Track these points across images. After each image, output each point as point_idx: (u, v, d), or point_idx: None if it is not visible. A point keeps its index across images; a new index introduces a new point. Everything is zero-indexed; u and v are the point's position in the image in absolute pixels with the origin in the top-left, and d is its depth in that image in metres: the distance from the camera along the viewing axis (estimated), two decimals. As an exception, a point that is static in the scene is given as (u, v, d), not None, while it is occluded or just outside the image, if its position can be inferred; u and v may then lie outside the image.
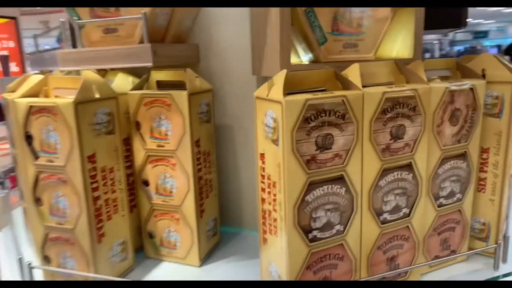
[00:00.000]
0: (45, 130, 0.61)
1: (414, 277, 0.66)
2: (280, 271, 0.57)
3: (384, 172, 0.58)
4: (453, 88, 0.61)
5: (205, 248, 0.75)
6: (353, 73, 0.57)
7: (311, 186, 0.54)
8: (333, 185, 0.55)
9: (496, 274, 0.68)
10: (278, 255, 0.57)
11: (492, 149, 0.69)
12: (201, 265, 0.74)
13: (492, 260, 0.72)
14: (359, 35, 0.70)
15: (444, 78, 0.67)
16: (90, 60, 0.68)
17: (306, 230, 0.55)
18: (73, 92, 0.61)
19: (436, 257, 0.68)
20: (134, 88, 0.71)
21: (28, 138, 0.62)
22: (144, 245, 0.77)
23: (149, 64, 0.65)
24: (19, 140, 0.63)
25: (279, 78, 0.53)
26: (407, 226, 0.63)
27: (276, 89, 0.52)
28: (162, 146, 0.70)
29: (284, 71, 0.53)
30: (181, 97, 0.66)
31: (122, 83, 0.74)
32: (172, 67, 0.71)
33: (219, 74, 0.81)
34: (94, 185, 0.63)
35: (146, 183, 0.73)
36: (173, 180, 0.71)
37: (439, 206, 0.66)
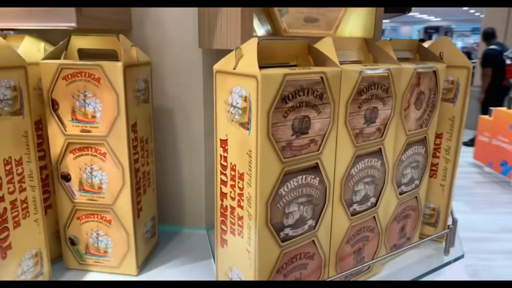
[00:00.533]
0: None
1: (376, 269, 0.63)
2: (245, 276, 0.49)
3: (356, 159, 0.53)
4: (420, 70, 0.58)
5: (143, 253, 0.63)
6: (327, 48, 0.50)
7: (285, 177, 0.46)
8: (308, 175, 0.48)
9: (447, 259, 0.69)
10: (242, 258, 0.48)
11: (445, 134, 0.68)
12: (138, 274, 0.62)
13: (440, 245, 0.72)
14: (320, 9, 0.63)
15: (403, 60, 0.64)
16: None
17: (278, 229, 0.47)
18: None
19: (395, 246, 0.66)
20: (48, 57, 0.55)
21: None
22: (64, 254, 0.62)
23: (72, 25, 0.51)
24: None
25: (250, 48, 0.44)
26: (374, 217, 0.59)
27: (248, 61, 0.43)
28: (88, 131, 0.56)
29: (255, 40, 0.44)
30: (114, 69, 0.53)
31: (30, 50, 0.58)
32: (97, 33, 0.57)
33: (157, 46, 0.68)
34: (-5, 183, 0.47)
35: (66, 177, 0.58)
36: (103, 174, 0.57)
37: (400, 194, 0.63)
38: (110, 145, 0.56)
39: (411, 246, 0.65)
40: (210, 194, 0.76)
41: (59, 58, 0.57)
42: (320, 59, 0.49)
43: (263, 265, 0.47)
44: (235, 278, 0.51)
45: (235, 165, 0.47)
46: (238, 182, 0.47)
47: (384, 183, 0.58)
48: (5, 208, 0.49)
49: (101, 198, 0.58)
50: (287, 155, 0.45)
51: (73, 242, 0.61)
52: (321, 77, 0.46)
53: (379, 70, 0.52)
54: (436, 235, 0.69)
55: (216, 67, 0.48)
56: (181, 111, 0.71)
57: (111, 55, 0.57)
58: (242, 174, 0.46)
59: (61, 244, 0.61)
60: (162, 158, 0.73)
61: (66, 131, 0.56)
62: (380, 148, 0.56)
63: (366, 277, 0.61)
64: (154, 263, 0.65)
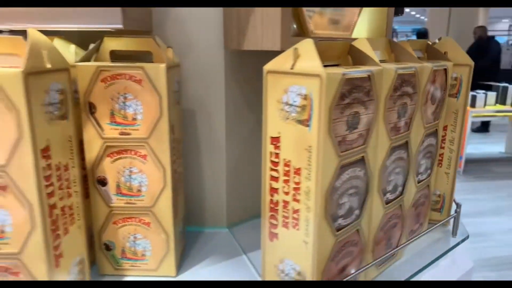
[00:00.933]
0: (-31, 114, 0.41)
1: (399, 255, 0.67)
2: (301, 267, 0.51)
3: (391, 151, 0.57)
4: (435, 68, 0.64)
5: (179, 254, 0.63)
6: (365, 48, 0.53)
7: (340, 170, 0.49)
8: (356, 168, 0.51)
9: (456, 240, 0.75)
10: (298, 250, 0.51)
11: (450, 126, 0.75)
12: (176, 275, 0.62)
13: (445, 228, 0.79)
14: (341, 11, 0.67)
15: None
16: (32, 17, 0.49)
17: (333, 219, 0.50)
18: (10, 60, 0.43)
19: (412, 231, 0.71)
20: (83, 60, 0.54)
21: None
22: (98, 260, 0.61)
23: (118, 27, 0.50)
24: None
25: (307, 49, 0.46)
26: (400, 205, 0.63)
27: (308, 61, 0.45)
28: (128, 134, 0.55)
29: (310, 40, 0.47)
30: (157, 71, 0.53)
31: (62, 52, 0.56)
32: (118, 34, 0.56)
33: (177, 47, 0.68)
34: (50, 190, 0.46)
35: (102, 182, 0.57)
36: (143, 176, 0.57)
37: (418, 182, 0.68)
38: (152, 146, 0.55)
39: (429, 231, 0.70)
40: (231, 193, 0.77)
41: (89, 61, 0.56)
42: (360, 59, 0.53)
43: (320, 254, 0.49)
44: (288, 269, 0.53)
45: (289, 160, 0.49)
46: (294, 177, 0.49)
47: (408, 171, 0.63)
48: (57, 215, 0.47)
49: (140, 201, 0.58)
50: (342, 149, 0.48)
51: (108, 248, 0.60)
52: (368, 75, 0.49)
53: (408, 68, 0.56)
54: (446, 219, 0.75)
55: (267, 67, 0.50)
56: (202, 112, 0.72)
57: (144, 57, 0.57)
58: (299, 169, 0.48)
59: (92, 250, 0.60)
60: (183, 159, 0.73)
61: (104, 134, 0.55)
62: (406, 141, 0.61)
63: (392, 263, 0.66)
64: (188, 263, 0.65)
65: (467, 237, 0.76)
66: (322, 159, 0.46)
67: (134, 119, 0.55)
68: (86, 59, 0.55)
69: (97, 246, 0.60)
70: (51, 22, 0.50)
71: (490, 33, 4.81)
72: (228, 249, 0.70)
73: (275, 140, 0.50)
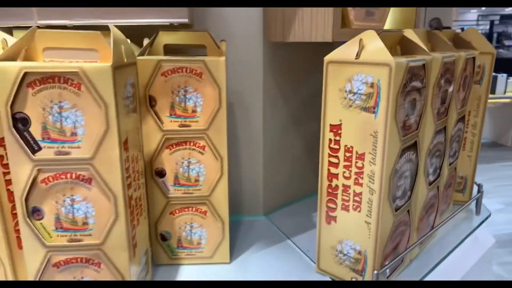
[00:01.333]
0: (57, 108, 0.42)
1: (435, 232, 0.71)
2: (361, 246, 0.54)
3: (434, 135, 0.61)
4: (468, 56, 0.67)
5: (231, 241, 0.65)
6: (413, 38, 0.56)
7: (401, 154, 0.52)
8: (410, 152, 0.55)
9: (480, 219, 0.80)
10: (359, 230, 0.54)
11: (473, 111, 0.79)
12: (230, 262, 0.64)
13: (467, 208, 0.84)
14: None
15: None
16: (98, 11, 0.49)
17: (393, 200, 0.53)
18: (88, 55, 0.44)
19: (442, 211, 0.76)
20: (141, 54, 0.55)
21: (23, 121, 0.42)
22: (154, 251, 0.62)
23: (185, 21, 0.51)
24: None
25: (372, 39, 0.49)
26: (437, 186, 0.67)
27: (375, 51, 0.48)
28: (188, 126, 0.57)
29: (373, 31, 0.49)
30: (217, 64, 0.54)
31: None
32: (176, 29, 0.57)
33: (217, 39, 0.69)
34: (128, 181, 0.47)
35: (160, 173, 0.58)
36: (201, 166, 0.58)
37: (449, 164, 0.72)
38: (210, 137, 0.57)
39: (459, 211, 0.74)
40: (267, 183, 0.79)
41: (143, 55, 0.57)
42: (410, 48, 0.56)
43: (382, 234, 0.52)
44: (347, 249, 0.56)
45: (351, 146, 0.52)
46: (356, 162, 0.52)
47: (444, 155, 0.67)
48: (133, 206, 0.49)
49: (197, 190, 0.59)
50: (403, 134, 0.51)
51: (164, 238, 0.61)
52: (424, 64, 0.52)
53: (450, 57, 0.60)
54: (473, 199, 0.80)
55: (329, 58, 0.52)
56: (240, 104, 0.73)
57: (194, 50, 0.58)
58: (362, 154, 0.51)
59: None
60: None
61: (164, 126, 0.56)
62: (445, 126, 0.64)
63: (432, 241, 0.70)
64: (237, 251, 0.67)
65: (489, 215, 0.81)
66: (388, 144, 0.49)
67: (194, 111, 0.56)
68: (141, 53, 0.56)
69: (153, 236, 0.61)
70: (117, 17, 0.50)
71: (459, 24, 4.93)
72: (271, 235, 0.73)
73: (336, 128, 0.53)
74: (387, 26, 0.75)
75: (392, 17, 0.76)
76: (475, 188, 0.82)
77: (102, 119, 0.42)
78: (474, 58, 0.71)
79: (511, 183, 2.80)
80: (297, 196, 0.87)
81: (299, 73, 0.79)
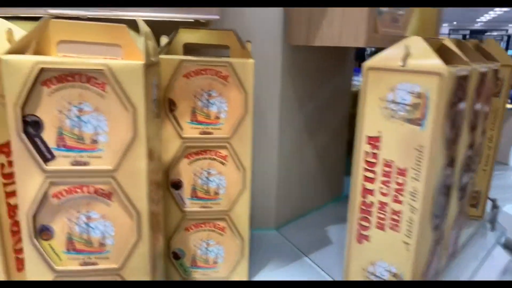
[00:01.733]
0: (76, 111, 0.36)
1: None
2: (398, 268, 0.50)
3: (467, 149, 0.58)
4: (494, 68, 0.65)
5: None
6: (451, 47, 0.53)
7: (444, 169, 0.48)
8: (449, 167, 0.51)
9: (495, 234, 0.78)
10: (396, 251, 0.50)
11: (490, 125, 0.77)
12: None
13: (478, 223, 0.82)
14: (401, 9, 0.67)
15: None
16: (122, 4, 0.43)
17: (433, 218, 0.50)
18: (110, 51, 0.38)
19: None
20: (161, 52, 0.50)
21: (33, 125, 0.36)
22: (165, 269, 0.56)
23: (216, 17, 0.46)
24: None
25: (420, 46, 0.45)
26: (463, 202, 0.65)
27: (424, 59, 0.44)
28: (209, 133, 0.51)
29: (419, 38, 0.46)
30: (245, 66, 0.50)
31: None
32: (198, 27, 0.52)
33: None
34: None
35: (177, 185, 0.53)
36: (221, 178, 0.53)
37: (470, 179, 0.70)
38: (233, 146, 0.52)
39: (478, 228, 0.72)
40: (281, 195, 0.75)
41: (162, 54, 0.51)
42: (449, 57, 0.53)
43: (422, 255, 0.49)
44: (380, 270, 0.52)
45: (391, 161, 0.48)
46: (397, 178, 0.48)
47: (470, 170, 0.64)
48: (154, 222, 0.43)
49: (216, 204, 0.54)
50: (447, 148, 0.48)
51: (177, 256, 0.56)
52: (466, 75, 0.49)
53: (484, 68, 0.57)
54: (491, 216, 0.78)
55: (369, 64, 0.48)
56: (256, 108, 0.68)
57: (215, 51, 0.53)
58: (404, 170, 0.47)
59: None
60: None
61: (183, 133, 0.51)
62: (474, 139, 0.62)
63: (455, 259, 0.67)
64: (253, 268, 0.62)
65: (506, 230, 0.80)
66: (434, 159, 0.45)
67: (217, 117, 0.51)
68: (162, 52, 0.50)
69: (165, 254, 0.55)
70: (139, 10, 0.45)
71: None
72: (286, 251, 0.68)
73: (374, 140, 0.49)
74: (408, 33, 0.73)
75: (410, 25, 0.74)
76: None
77: (128, 124, 0.36)
78: (496, 70, 0.69)
79: None
80: (308, 208, 0.83)
81: (316, 78, 0.75)
